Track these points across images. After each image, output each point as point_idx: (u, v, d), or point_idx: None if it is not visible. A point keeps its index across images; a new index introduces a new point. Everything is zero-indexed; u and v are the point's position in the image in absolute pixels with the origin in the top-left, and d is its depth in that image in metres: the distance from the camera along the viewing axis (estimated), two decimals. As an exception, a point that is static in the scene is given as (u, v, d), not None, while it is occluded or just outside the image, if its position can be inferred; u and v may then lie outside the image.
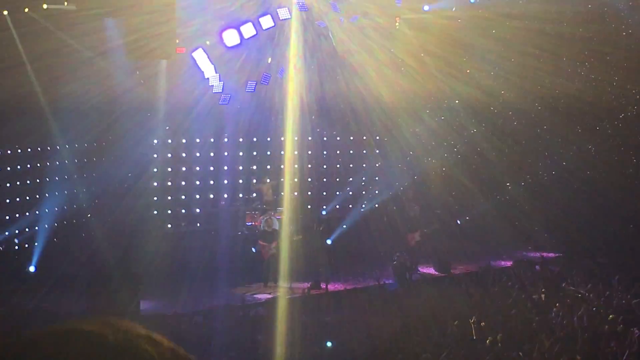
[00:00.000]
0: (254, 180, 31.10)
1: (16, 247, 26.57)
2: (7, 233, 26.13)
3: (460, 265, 28.06)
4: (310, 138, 32.62)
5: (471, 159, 33.31)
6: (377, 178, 34.04)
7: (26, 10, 23.61)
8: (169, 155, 30.76)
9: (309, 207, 31.71)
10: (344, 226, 29.93)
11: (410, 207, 30.09)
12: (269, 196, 29.94)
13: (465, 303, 21.39)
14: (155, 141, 30.11)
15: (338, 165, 34.28)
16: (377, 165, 34.08)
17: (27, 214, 27.11)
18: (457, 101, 32.63)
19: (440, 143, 33.33)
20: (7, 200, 26.96)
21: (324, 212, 32.22)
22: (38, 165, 27.94)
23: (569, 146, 32.89)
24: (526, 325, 18.80)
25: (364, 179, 34.01)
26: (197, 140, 31.27)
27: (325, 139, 33.76)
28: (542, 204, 31.54)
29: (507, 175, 32.90)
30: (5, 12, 23.55)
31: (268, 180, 30.42)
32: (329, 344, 25.33)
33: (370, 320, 20.14)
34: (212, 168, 31.64)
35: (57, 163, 27.95)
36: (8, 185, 26.99)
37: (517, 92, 32.22)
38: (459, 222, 31.88)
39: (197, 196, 31.38)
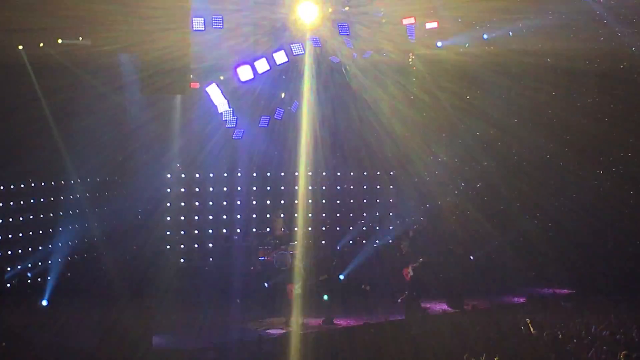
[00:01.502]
0: (268, 215, 31.08)
1: (29, 281, 26.55)
2: (19, 267, 26.15)
3: (473, 301, 27.86)
4: (324, 173, 32.60)
5: (484, 194, 33.21)
6: (390, 213, 33.96)
7: (41, 45, 23.70)
8: (183, 189, 30.81)
9: (323, 242, 31.59)
10: (357, 262, 29.78)
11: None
12: (281, 231, 29.85)
13: (478, 339, 21.24)
14: (169, 176, 30.18)
15: (352, 201, 34.22)
16: (390, 200, 34.03)
17: (40, 247, 27.13)
18: (470, 136, 32.56)
19: (453, 178, 33.25)
20: (20, 234, 26.99)
21: (338, 248, 32.11)
22: (52, 199, 28.01)
23: (582, 182, 32.74)
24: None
25: (377, 214, 33.91)
26: (211, 174, 31.33)
27: (338, 174, 33.73)
28: (555, 240, 31.35)
29: (521, 210, 32.74)
30: (20, 47, 23.66)
31: (281, 216, 30.36)
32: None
33: (383, 357, 20.00)
34: (225, 203, 31.66)
35: (71, 197, 28.05)
36: (21, 219, 27.03)
37: (530, 128, 32.17)
38: (472, 257, 31.70)
39: (210, 231, 31.38)
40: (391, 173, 33.29)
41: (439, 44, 29.19)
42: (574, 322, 22.78)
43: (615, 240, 31.32)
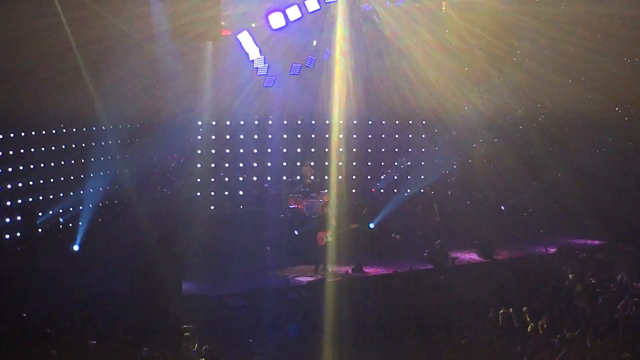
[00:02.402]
0: (298, 164, 31.08)
1: (60, 226, 26.75)
2: (51, 212, 26.33)
3: (503, 250, 27.80)
4: (355, 121, 32.52)
5: (518, 143, 33.06)
6: (422, 163, 33.89)
7: (75, -6, 23.72)
8: (213, 137, 30.85)
9: (354, 190, 31.57)
10: (387, 210, 29.75)
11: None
12: (310, 181, 29.84)
13: (508, 289, 21.24)
14: (200, 123, 30.21)
15: (383, 149, 34.16)
16: (422, 150, 33.95)
17: (72, 193, 27.33)
18: (504, 85, 32.32)
19: (486, 127, 33.05)
20: (52, 180, 27.16)
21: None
22: (84, 145, 28.15)
23: (616, 131, 32.52)
24: (570, 313, 18.60)
25: (409, 163, 33.84)
26: (242, 122, 31.35)
27: (370, 122, 33.64)
28: (588, 190, 31.12)
29: (553, 160, 32.54)
30: (55, -3, 23.67)
31: (312, 164, 30.34)
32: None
33: (411, 304, 20.03)
34: (255, 150, 31.69)
35: (103, 144, 28.16)
36: (52, 164, 27.18)
37: (565, 76, 31.90)
38: (503, 207, 31.60)
39: (241, 178, 31.46)
40: (423, 122, 33.17)
41: (473, -11, 28.90)
42: (606, 274, 22.72)
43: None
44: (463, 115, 32.42)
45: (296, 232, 27.84)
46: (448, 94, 31.14)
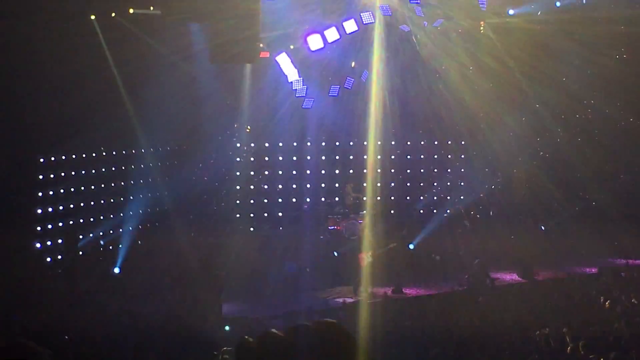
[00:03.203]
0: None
1: (101, 249, 26.91)
2: (92, 235, 26.49)
3: (544, 271, 27.63)
4: (393, 142, 32.57)
5: (556, 164, 32.96)
6: (461, 183, 33.84)
7: (113, 14, 23.92)
8: (252, 159, 30.99)
9: (392, 211, 31.56)
10: (427, 231, 29.69)
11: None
12: (351, 200, 29.88)
13: (547, 309, 21.11)
14: (239, 145, 30.35)
15: (422, 170, 34.16)
16: (461, 170, 33.91)
17: (112, 216, 27.47)
18: (541, 105, 32.26)
19: (524, 147, 33.01)
20: (92, 203, 27.32)
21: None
22: (123, 168, 28.32)
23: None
24: (611, 334, 18.44)
25: (448, 184, 33.80)
26: (280, 144, 31.48)
27: (408, 143, 33.67)
28: (628, 210, 30.92)
29: (593, 180, 32.41)
30: (93, 17, 23.87)
31: (351, 185, 30.38)
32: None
33: (451, 326, 19.94)
34: (294, 172, 31.78)
35: (142, 166, 28.34)
36: (93, 188, 27.34)
37: (602, 96, 31.82)
38: (542, 227, 31.46)
39: (280, 200, 31.54)
40: (462, 142, 33.16)
41: (511, 11, 28.85)
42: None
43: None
44: (500, 136, 32.36)
45: (335, 253, 27.84)
46: (486, 114, 31.14)
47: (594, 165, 32.57)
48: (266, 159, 31.54)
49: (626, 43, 30.35)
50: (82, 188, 26.99)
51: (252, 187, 31.06)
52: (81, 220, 26.66)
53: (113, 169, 28.14)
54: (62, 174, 26.26)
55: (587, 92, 31.94)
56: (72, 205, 26.49)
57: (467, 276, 26.40)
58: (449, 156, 34.16)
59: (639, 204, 31.38)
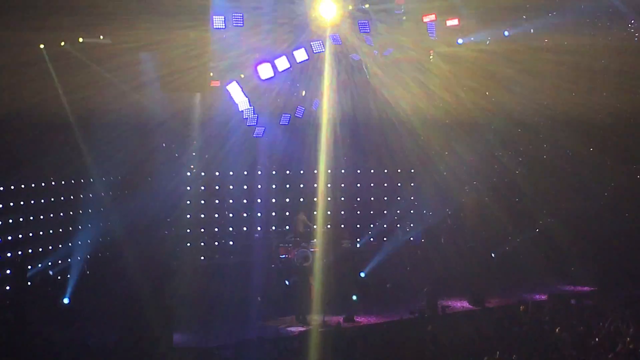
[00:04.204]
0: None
1: (50, 279, 26.61)
2: (41, 265, 26.20)
3: (494, 298, 27.77)
4: (343, 171, 32.66)
5: (506, 191, 33.18)
6: (411, 211, 33.96)
7: (62, 43, 23.80)
8: (202, 188, 30.89)
9: (342, 241, 31.58)
10: (377, 259, 29.73)
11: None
12: (302, 229, 29.87)
13: (499, 337, 21.20)
14: (189, 174, 30.25)
15: (372, 198, 34.25)
16: (411, 198, 34.03)
17: (61, 246, 27.19)
18: (491, 134, 32.55)
19: (474, 175, 33.24)
20: (41, 233, 27.05)
21: (357, 245, 32.06)
22: (72, 197, 28.05)
23: (603, 178, 32.71)
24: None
25: (398, 212, 33.88)
26: (231, 172, 31.42)
27: (359, 171, 33.77)
28: (577, 237, 31.18)
29: (542, 207, 32.71)
30: (42, 46, 23.73)
31: (301, 213, 30.38)
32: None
33: (402, 354, 19.98)
34: (245, 201, 31.76)
35: (92, 195, 28.07)
36: (42, 217, 27.08)
37: (551, 125, 32.18)
38: (493, 254, 31.64)
39: (230, 228, 31.48)
40: (412, 170, 33.32)
41: (460, 41, 29.09)
42: (596, 320, 22.68)
43: (638, 237, 31.13)
44: (450, 164, 32.58)
45: (287, 282, 27.77)
46: (436, 142, 31.36)
47: (543, 193, 32.86)
48: (217, 187, 31.47)
49: (573, 73, 30.71)
50: (31, 218, 26.70)
51: (202, 215, 30.93)
52: (30, 251, 26.36)
53: (62, 198, 27.88)
54: (11, 204, 25.96)
55: (536, 121, 32.28)
56: (20, 236, 26.18)
57: (418, 304, 26.44)
58: (399, 184, 34.27)
59: (585, 230, 31.64)
